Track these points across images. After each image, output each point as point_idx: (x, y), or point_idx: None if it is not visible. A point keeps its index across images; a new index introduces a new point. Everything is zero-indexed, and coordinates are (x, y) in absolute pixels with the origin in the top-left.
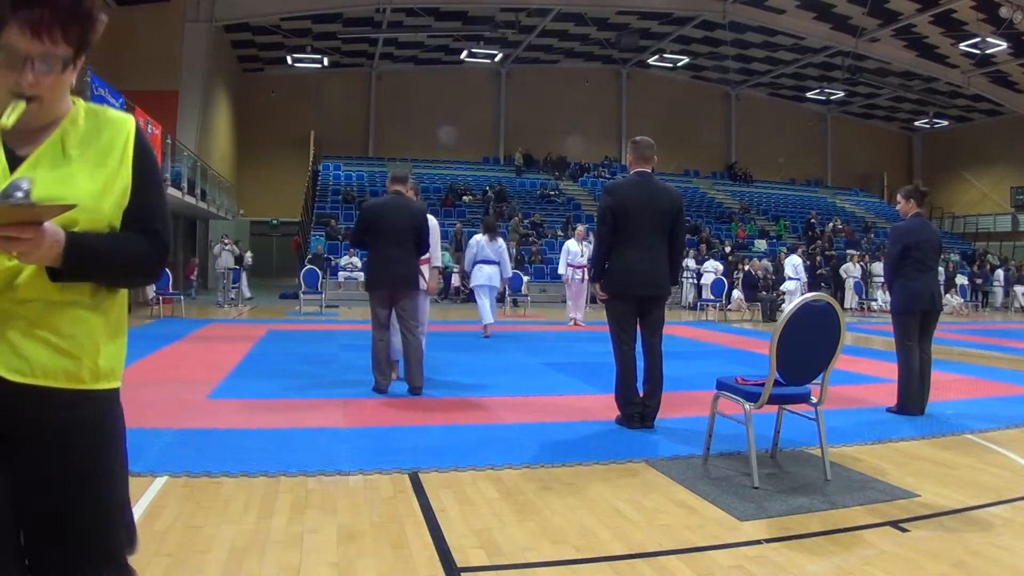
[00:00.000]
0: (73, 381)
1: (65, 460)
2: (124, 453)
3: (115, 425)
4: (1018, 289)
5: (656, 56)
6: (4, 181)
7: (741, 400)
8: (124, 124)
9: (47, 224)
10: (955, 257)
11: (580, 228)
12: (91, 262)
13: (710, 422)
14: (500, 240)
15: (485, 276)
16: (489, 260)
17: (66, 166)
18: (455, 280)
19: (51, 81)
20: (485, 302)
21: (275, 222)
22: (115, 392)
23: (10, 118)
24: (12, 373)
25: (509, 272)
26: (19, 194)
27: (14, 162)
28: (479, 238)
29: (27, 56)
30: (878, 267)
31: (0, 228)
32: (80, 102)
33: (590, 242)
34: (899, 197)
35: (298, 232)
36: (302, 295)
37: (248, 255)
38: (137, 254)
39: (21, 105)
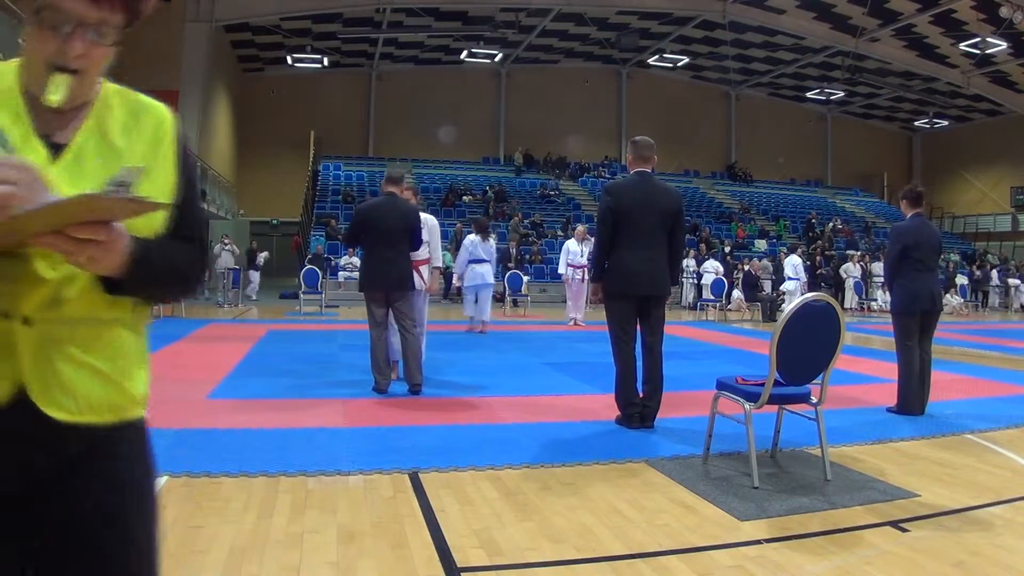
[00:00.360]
0: (116, 413)
1: (108, 505)
2: (156, 490)
3: (152, 458)
4: (1012, 282)
5: (656, 56)
6: (41, 168)
7: (741, 400)
8: (164, 113)
9: (116, 225)
10: (955, 257)
11: (580, 228)
12: (150, 272)
13: (710, 422)
14: (491, 241)
15: (479, 275)
16: (481, 260)
17: (114, 158)
18: (456, 280)
19: (101, 54)
20: (474, 300)
21: (275, 222)
22: (144, 421)
23: (58, 94)
24: (59, 412)
25: (493, 270)
26: (112, 188)
27: (54, 151)
28: (473, 238)
29: (79, 22)
30: (878, 267)
31: (75, 227)
32: (107, 82)
33: (590, 241)
34: (900, 198)
35: (298, 232)
36: (302, 295)
37: (263, 255)
38: (187, 266)
39: (66, 79)
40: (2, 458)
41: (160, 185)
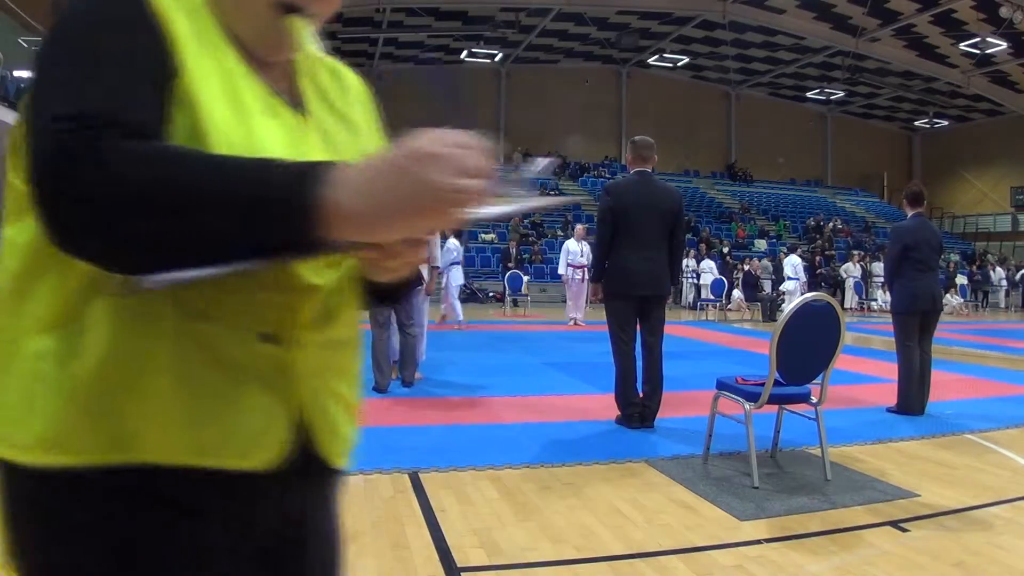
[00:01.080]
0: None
1: (329, 556)
2: None
3: None
4: (996, 273)
5: (656, 56)
6: (300, 137)
7: (741, 400)
8: (361, 82)
9: None
10: (955, 257)
11: (580, 227)
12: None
13: (710, 422)
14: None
15: (458, 276)
16: (457, 261)
17: (347, 128)
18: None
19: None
20: (456, 300)
21: None
22: None
23: (314, 44)
24: (340, 460)
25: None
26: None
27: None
28: (455, 242)
29: None
30: (878, 267)
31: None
32: None
33: (590, 242)
34: (902, 198)
35: None
36: None
37: None
38: None
39: (305, 23)
40: (270, 511)
41: None
